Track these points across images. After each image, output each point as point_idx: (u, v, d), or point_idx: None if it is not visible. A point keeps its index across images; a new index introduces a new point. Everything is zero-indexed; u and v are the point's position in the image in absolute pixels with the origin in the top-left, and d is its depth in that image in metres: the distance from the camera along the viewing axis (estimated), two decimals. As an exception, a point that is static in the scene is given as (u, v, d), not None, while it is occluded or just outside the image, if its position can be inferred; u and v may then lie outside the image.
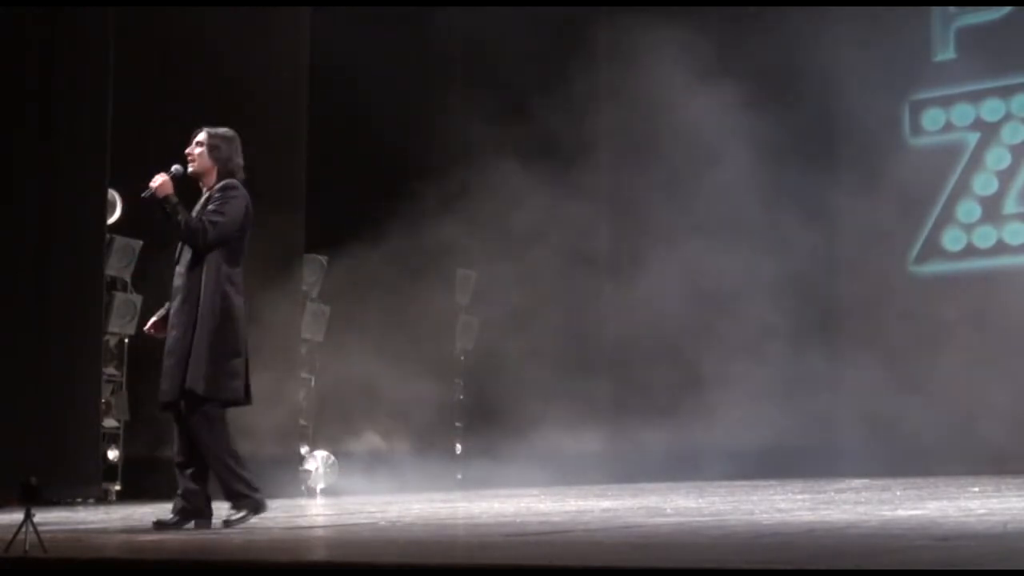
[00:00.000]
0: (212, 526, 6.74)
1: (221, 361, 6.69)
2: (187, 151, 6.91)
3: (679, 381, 14.43)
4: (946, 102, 15.87)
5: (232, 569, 4.76)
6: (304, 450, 12.31)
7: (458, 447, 13.94)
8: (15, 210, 10.26)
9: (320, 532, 6.64)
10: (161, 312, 6.96)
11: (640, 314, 14.57)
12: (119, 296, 11.24)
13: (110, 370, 11.23)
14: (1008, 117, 15.54)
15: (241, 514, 6.70)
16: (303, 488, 11.88)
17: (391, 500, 10.14)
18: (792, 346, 14.58)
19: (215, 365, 6.67)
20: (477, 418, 13.92)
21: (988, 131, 15.63)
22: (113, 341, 11.32)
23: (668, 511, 7.68)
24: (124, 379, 11.40)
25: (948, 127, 15.88)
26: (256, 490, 6.78)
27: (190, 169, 6.89)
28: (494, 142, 13.19)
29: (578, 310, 14.87)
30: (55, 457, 10.00)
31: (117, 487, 11.13)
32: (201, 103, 11.85)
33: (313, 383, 12.71)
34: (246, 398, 6.85)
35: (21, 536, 5.17)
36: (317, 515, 8.64)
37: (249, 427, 11.21)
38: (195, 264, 6.75)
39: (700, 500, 8.98)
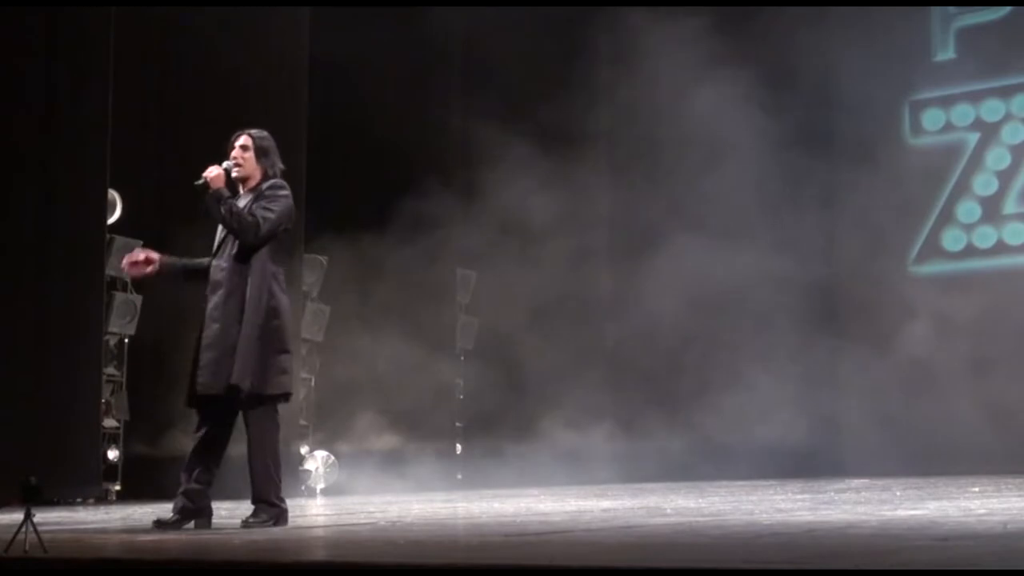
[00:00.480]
0: (212, 526, 6.73)
1: (269, 357, 6.71)
2: (232, 155, 6.96)
3: (679, 381, 14.44)
4: (946, 102, 15.87)
5: (232, 569, 4.75)
6: (304, 450, 12.32)
7: (458, 447, 13.94)
8: (15, 210, 10.26)
9: (320, 532, 6.64)
10: (168, 259, 6.95)
11: (640, 314, 14.57)
12: (119, 296, 11.24)
13: (110, 370, 11.23)
14: (1008, 117, 15.54)
15: (262, 519, 6.68)
16: (303, 488, 11.88)
17: (391, 500, 10.14)
18: (791, 346, 14.59)
19: (263, 361, 6.69)
20: (477, 418, 13.92)
21: (988, 131, 15.63)
22: (113, 341, 11.32)
23: (668, 511, 7.68)
24: (124, 379, 11.40)
25: (948, 127, 15.88)
26: (283, 500, 6.79)
27: (235, 173, 6.94)
28: (494, 142, 13.19)
29: (579, 310, 14.87)
30: (55, 457, 10.00)
31: (117, 487, 11.13)
32: (201, 103, 11.87)
33: (313, 383, 12.71)
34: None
35: (21, 536, 5.17)
36: (317, 515, 8.64)
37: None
38: (240, 259, 6.78)
39: (700, 500, 8.97)
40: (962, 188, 15.70)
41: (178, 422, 11.28)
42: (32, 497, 5.32)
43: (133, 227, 11.38)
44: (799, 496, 9.31)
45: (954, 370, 14.57)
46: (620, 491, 10.96)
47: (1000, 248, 15.45)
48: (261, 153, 6.95)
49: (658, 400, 14.58)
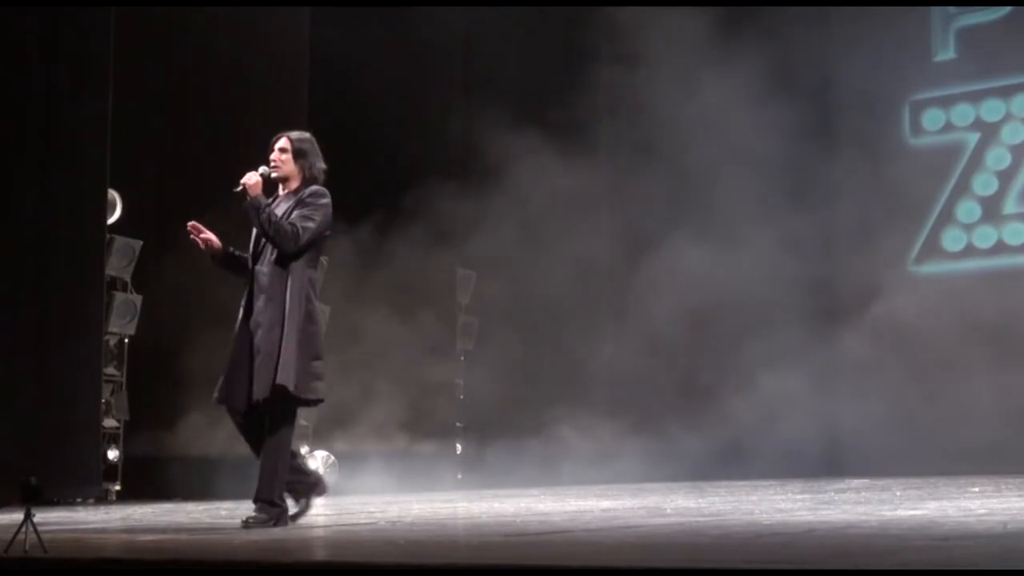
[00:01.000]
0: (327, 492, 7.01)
1: (306, 362, 6.78)
2: (271, 157, 7.02)
3: (679, 382, 14.44)
4: (946, 102, 15.87)
5: (232, 569, 4.75)
6: (304, 450, 12.31)
7: (458, 447, 13.94)
8: (15, 210, 10.25)
9: (320, 532, 6.64)
10: (227, 247, 6.99)
11: (640, 314, 14.57)
12: (119, 296, 11.24)
13: (110, 370, 11.23)
14: (1008, 117, 15.55)
15: (262, 519, 6.72)
16: (303, 488, 11.87)
17: (391, 500, 10.14)
18: (791, 346, 14.58)
19: (301, 365, 6.75)
20: (477, 418, 13.91)
21: (988, 131, 15.63)
22: (113, 341, 11.32)
23: (668, 511, 7.68)
24: (124, 379, 11.40)
25: (948, 127, 15.89)
26: (284, 501, 6.85)
27: (274, 174, 7.00)
28: (494, 141, 13.19)
29: (579, 310, 14.86)
30: (55, 457, 10.00)
31: (117, 487, 11.13)
32: (201, 103, 11.87)
33: (313, 383, 12.68)
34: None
35: (21, 536, 5.17)
36: (317, 515, 8.63)
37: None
38: (279, 265, 6.85)
39: (700, 500, 8.97)
40: (962, 188, 15.70)
41: (178, 422, 11.30)
42: (32, 497, 5.32)
43: (133, 227, 11.38)
44: (799, 496, 9.31)
45: (954, 370, 14.57)
46: (620, 491, 10.96)
47: (1000, 248, 15.45)
48: (299, 155, 7.02)
49: (658, 401, 14.58)
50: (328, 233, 7.02)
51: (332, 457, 12.31)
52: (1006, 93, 15.56)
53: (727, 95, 14.16)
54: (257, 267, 6.91)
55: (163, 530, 6.76)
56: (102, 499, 10.70)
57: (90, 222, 10.78)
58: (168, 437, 11.24)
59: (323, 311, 12.66)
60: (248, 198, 6.82)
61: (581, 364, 14.77)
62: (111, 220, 11.12)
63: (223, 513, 8.40)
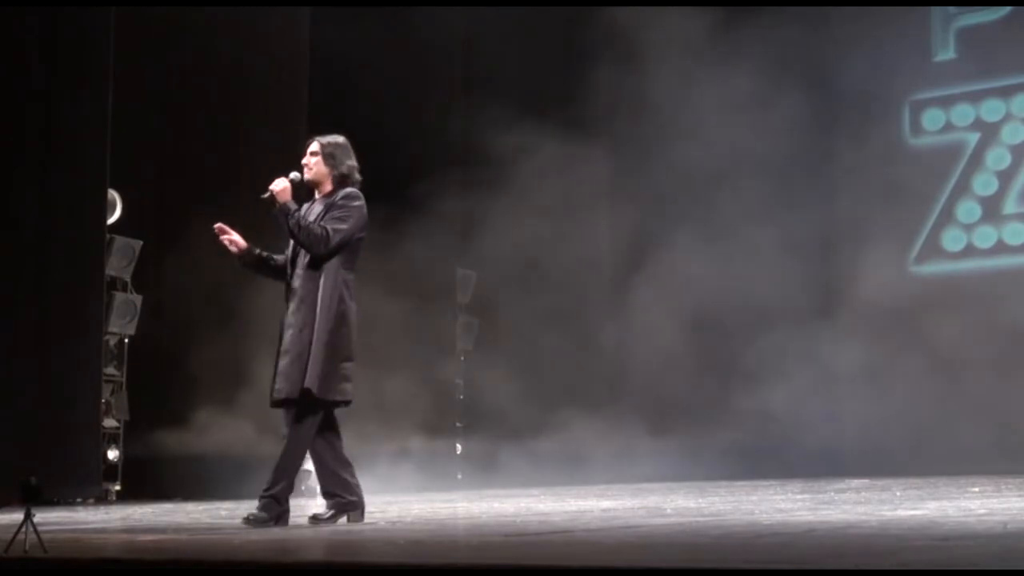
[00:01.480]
0: (364, 519, 6.94)
1: (334, 363, 6.82)
2: (303, 161, 7.07)
3: (679, 382, 14.44)
4: (946, 102, 15.87)
5: (232, 569, 4.75)
6: (304, 450, 12.30)
7: (458, 447, 13.94)
8: (15, 210, 10.26)
9: (320, 532, 6.64)
10: (253, 248, 7.02)
11: (640, 315, 14.57)
12: (119, 296, 11.24)
13: (110, 370, 11.23)
14: (1008, 117, 15.55)
15: (263, 517, 6.74)
16: (303, 488, 11.87)
17: (391, 500, 10.13)
18: (791, 346, 14.59)
19: (328, 367, 6.79)
20: (477, 418, 13.91)
21: (988, 131, 15.63)
22: (113, 341, 11.32)
23: (668, 511, 7.68)
24: (124, 379, 11.40)
25: (948, 127, 15.89)
26: (288, 502, 6.88)
27: (306, 177, 7.05)
28: (494, 141, 13.19)
29: (580, 311, 14.86)
30: (55, 457, 10.00)
31: (117, 487, 11.13)
32: (201, 103, 11.87)
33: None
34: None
35: (21, 536, 5.17)
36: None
37: (249, 427, 11.23)
38: (313, 268, 6.90)
39: (700, 500, 8.97)
40: (962, 188, 15.70)
41: (178, 422, 11.30)
42: (32, 497, 5.32)
43: (133, 227, 11.38)
44: (799, 496, 9.31)
45: (954, 370, 14.57)
46: (620, 491, 10.96)
47: (1000, 248, 15.45)
48: (329, 158, 7.05)
49: (658, 401, 14.57)
50: (362, 235, 7.03)
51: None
52: (1006, 93, 15.56)
53: (727, 95, 14.16)
54: (294, 270, 6.98)
55: (163, 530, 6.76)
56: (102, 499, 10.70)
57: (90, 222, 10.78)
58: (168, 437, 11.24)
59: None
60: (276, 204, 6.87)
61: (581, 364, 14.77)
62: (111, 220, 11.12)
63: (223, 513, 8.40)
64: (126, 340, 11.39)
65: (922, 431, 14.60)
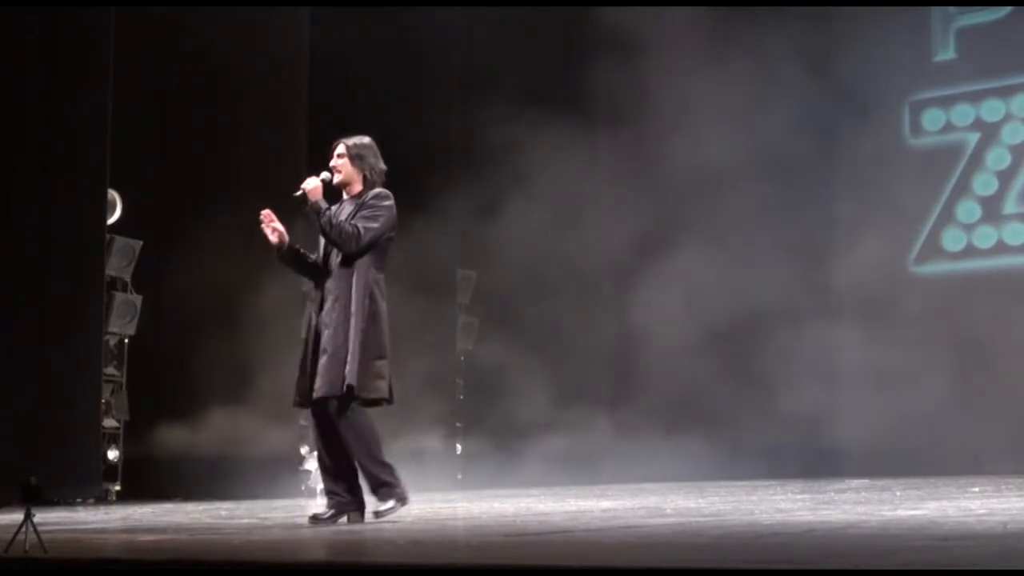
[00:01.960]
0: (364, 520, 6.91)
1: (368, 361, 6.87)
2: (331, 164, 7.13)
3: (679, 382, 14.43)
4: (946, 102, 15.87)
5: (232, 569, 4.75)
6: (304, 450, 12.30)
7: (458, 447, 13.94)
8: (15, 210, 10.26)
9: (320, 532, 6.64)
10: (292, 242, 7.05)
11: (640, 316, 14.56)
12: (119, 296, 11.24)
13: (110, 370, 11.23)
14: (1008, 117, 15.55)
15: (389, 505, 6.85)
16: (303, 488, 11.88)
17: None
18: (791, 346, 14.59)
19: (363, 365, 6.84)
20: (477, 418, 13.91)
21: (988, 131, 15.63)
22: (113, 341, 11.32)
23: (668, 511, 7.68)
24: (124, 379, 11.41)
25: (948, 127, 15.89)
26: (398, 480, 6.93)
27: (336, 179, 7.12)
28: (494, 141, 13.19)
29: (580, 311, 14.86)
30: (55, 457, 10.00)
31: (117, 487, 11.14)
32: (201, 103, 11.87)
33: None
34: (389, 398, 7.05)
35: (21, 536, 5.17)
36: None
37: (249, 428, 11.23)
38: (345, 266, 6.96)
39: (700, 500, 8.97)
40: (962, 188, 15.70)
41: (178, 422, 11.30)
42: (32, 497, 5.32)
43: (133, 227, 11.39)
44: (799, 496, 9.31)
45: (955, 370, 14.57)
46: (620, 491, 10.96)
47: (1000, 248, 15.45)
48: (356, 159, 7.13)
49: (658, 401, 14.57)
50: (392, 234, 7.09)
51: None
52: (1006, 93, 15.56)
53: (726, 95, 14.15)
54: (326, 271, 7.03)
55: (163, 530, 6.76)
56: (102, 499, 10.70)
57: (90, 222, 10.78)
58: (168, 437, 11.24)
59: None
60: (308, 203, 6.92)
61: (581, 364, 14.76)
62: (111, 220, 11.13)
63: (223, 513, 8.40)
64: (126, 340, 11.39)
65: (922, 431, 14.59)
